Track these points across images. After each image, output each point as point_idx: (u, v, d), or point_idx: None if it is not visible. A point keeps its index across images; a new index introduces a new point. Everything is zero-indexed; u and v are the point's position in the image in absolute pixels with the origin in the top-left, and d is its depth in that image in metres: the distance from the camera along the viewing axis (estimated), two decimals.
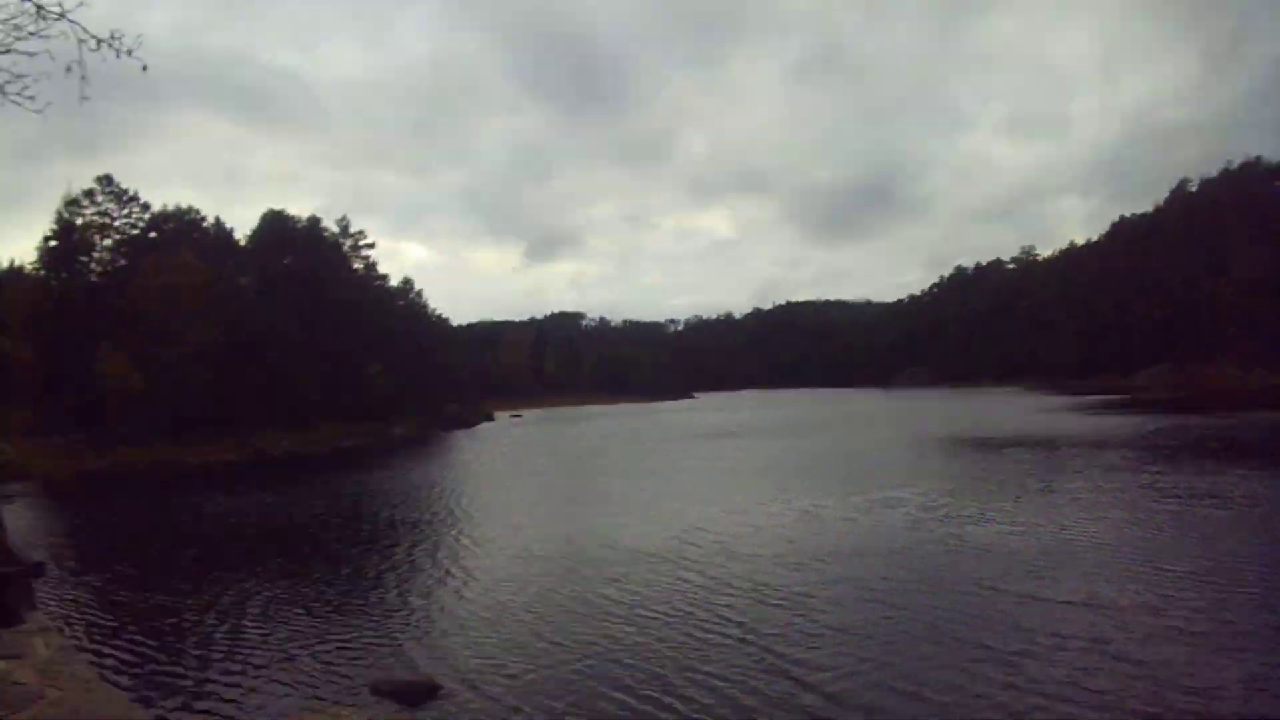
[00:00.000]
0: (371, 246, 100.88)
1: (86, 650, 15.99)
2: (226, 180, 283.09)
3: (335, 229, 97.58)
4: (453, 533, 29.46)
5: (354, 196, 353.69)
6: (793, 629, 15.89)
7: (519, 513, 33.25)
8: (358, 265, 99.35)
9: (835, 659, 14.20)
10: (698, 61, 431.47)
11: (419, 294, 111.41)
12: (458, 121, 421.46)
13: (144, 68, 7.23)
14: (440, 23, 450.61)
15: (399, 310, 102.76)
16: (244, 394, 71.73)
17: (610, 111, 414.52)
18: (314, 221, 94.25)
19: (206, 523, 34.62)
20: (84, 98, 6.88)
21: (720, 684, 13.28)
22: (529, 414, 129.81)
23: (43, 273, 76.23)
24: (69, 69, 6.88)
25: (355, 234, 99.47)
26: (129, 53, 7.13)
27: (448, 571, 23.04)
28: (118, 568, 25.69)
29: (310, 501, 39.32)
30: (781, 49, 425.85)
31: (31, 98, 7.13)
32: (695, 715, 12.20)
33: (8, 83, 7.04)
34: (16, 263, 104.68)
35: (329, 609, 19.55)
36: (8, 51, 6.96)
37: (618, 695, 13.05)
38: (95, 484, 51.58)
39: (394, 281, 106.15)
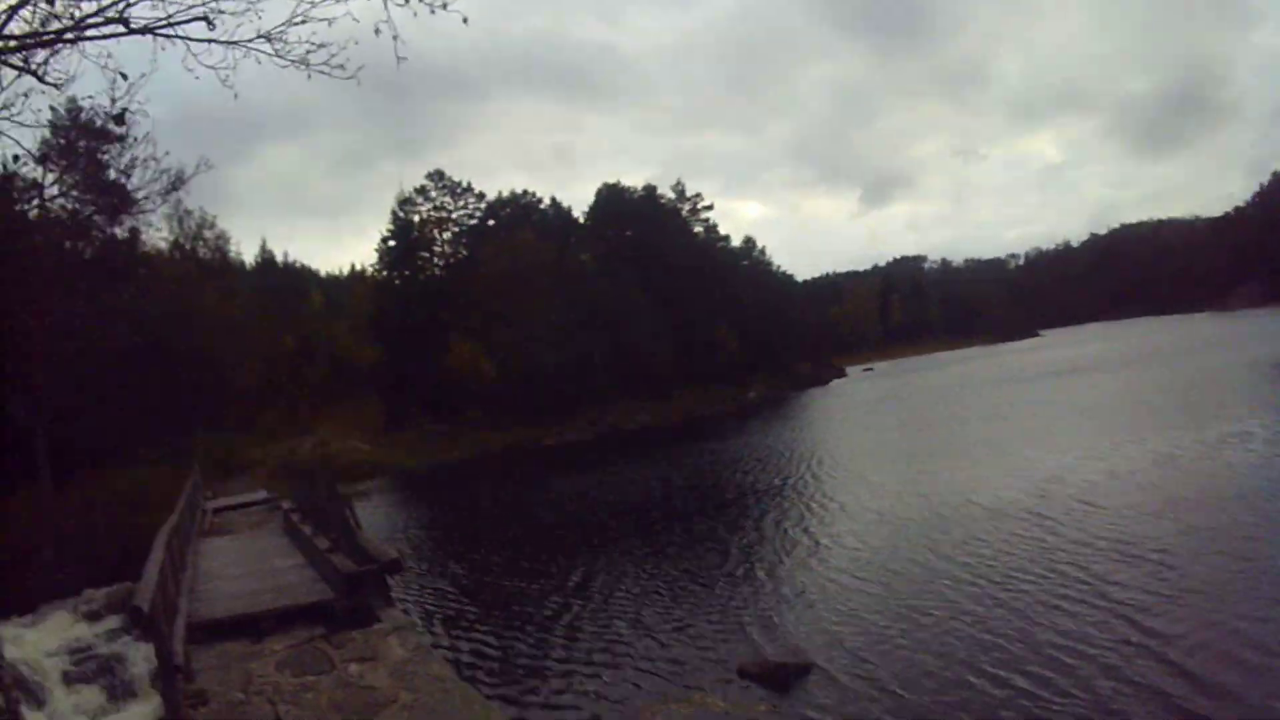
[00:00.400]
0: (709, 209, 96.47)
1: (442, 647, 16.04)
2: (558, 160, 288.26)
3: (672, 195, 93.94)
4: (811, 497, 28.14)
5: (685, 161, 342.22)
6: (1159, 595, 14.15)
7: (875, 471, 31.76)
8: (698, 229, 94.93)
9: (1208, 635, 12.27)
10: None
11: (762, 252, 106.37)
12: (776, 73, 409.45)
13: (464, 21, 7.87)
14: None
15: (743, 271, 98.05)
16: (596, 370, 69.09)
17: (924, 44, 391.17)
18: (649, 190, 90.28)
19: (561, 504, 34.03)
20: (400, 58, 6.88)
21: (1091, 664, 11.80)
22: (879, 365, 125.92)
23: (384, 273, 75.84)
24: (378, 30, 7.03)
25: (692, 198, 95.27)
26: (443, 6, 7.38)
27: (807, 540, 21.88)
28: (474, 556, 25.72)
29: (666, 474, 38.02)
30: None
31: (341, 66, 7.23)
32: (1072, 696, 10.88)
33: (310, 53, 6.98)
34: (356, 266, 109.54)
35: (688, 587, 18.67)
36: (304, 21, 6.91)
37: (991, 672, 11.93)
38: (449, 473, 51.41)
39: (735, 242, 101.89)
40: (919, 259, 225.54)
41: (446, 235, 78.84)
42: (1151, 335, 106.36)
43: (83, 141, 37.12)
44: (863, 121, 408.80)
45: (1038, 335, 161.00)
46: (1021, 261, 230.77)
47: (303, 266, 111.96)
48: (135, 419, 34.56)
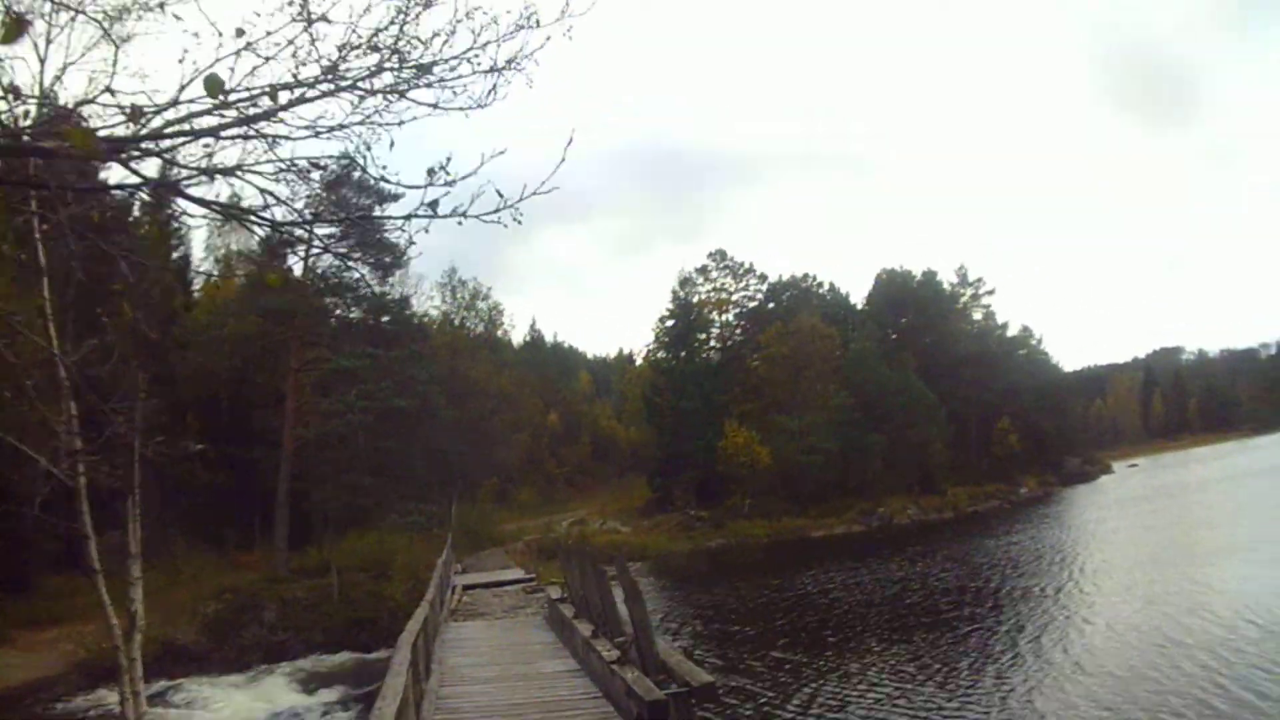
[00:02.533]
0: (991, 294, 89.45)
1: None
2: (833, 241, 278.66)
3: (954, 279, 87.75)
4: (1073, 603, 26.44)
5: (967, 242, 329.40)
6: None
7: (1142, 575, 29.59)
8: (978, 315, 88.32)
9: None
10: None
11: (1039, 341, 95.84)
12: None
13: None
14: None
15: (1019, 361, 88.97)
16: (869, 461, 63.79)
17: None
18: (929, 276, 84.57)
19: (835, 599, 31.90)
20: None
21: None
22: (1139, 461, 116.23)
23: (660, 353, 72.35)
24: None
25: (974, 282, 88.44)
26: None
27: (1067, 648, 20.62)
28: (743, 653, 23.44)
29: (934, 572, 36.27)
30: None
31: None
32: None
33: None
34: (624, 350, 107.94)
35: (954, 690, 17.90)
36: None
37: None
38: (711, 561, 48.77)
39: (1011, 330, 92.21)
40: (1177, 350, 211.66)
41: (726, 317, 74.93)
42: None
43: (354, 196, 35.37)
44: None
45: None
46: (1274, 350, 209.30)
47: (570, 347, 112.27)
48: (390, 483, 31.14)
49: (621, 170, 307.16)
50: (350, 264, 35.14)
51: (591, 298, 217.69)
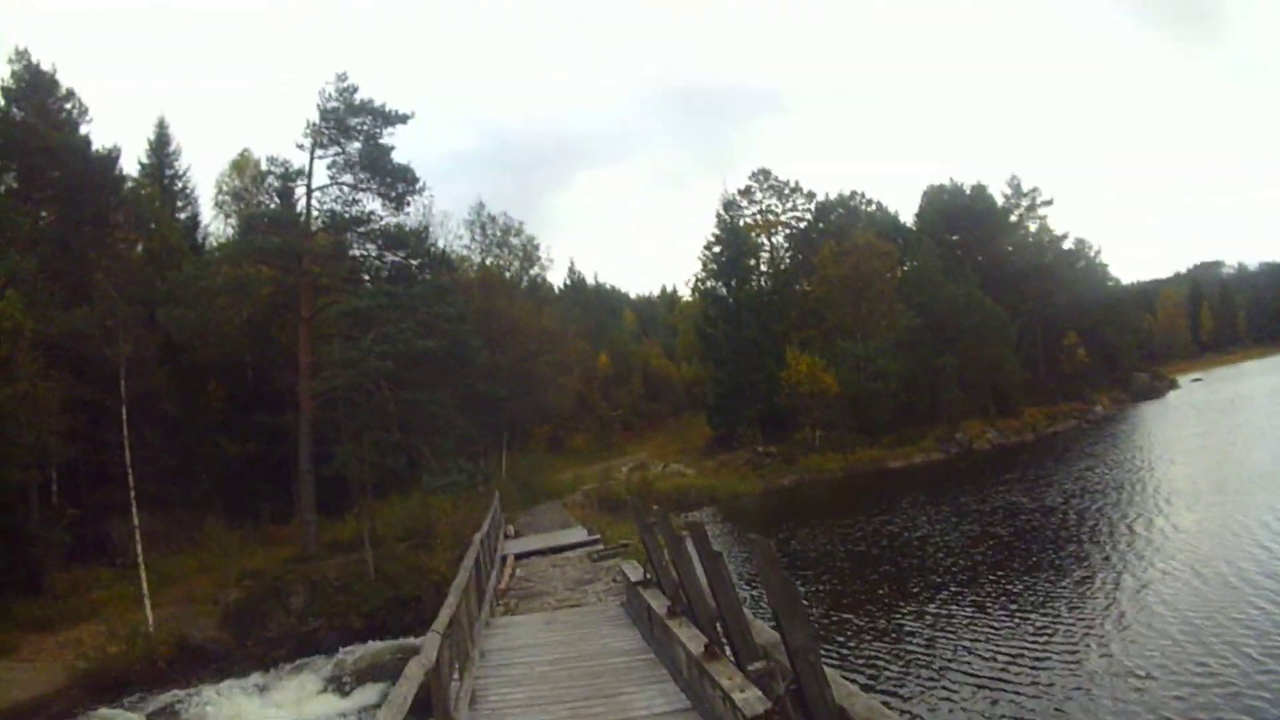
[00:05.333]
0: (1049, 204, 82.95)
1: None
2: (874, 165, 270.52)
3: (1008, 191, 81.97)
4: (1159, 532, 23.71)
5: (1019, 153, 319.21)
6: None
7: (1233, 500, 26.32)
8: (1033, 226, 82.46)
9: None
10: None
11: (1098, 253, 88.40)
12: None
13: None
14: None
15: (1080, 274, 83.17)
16: (943, 384, 59.23)
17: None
18: (980, 189, 79.25)
19: (921, 535, 29.12)
20: None
21: None
22: (1202, 375, 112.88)
23: (709, 282, 67.54)
24: None
25: (1030, 193, 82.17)
26: None
27: (1146, 583, 18.70)
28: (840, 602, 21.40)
29: (1022, 502, 32.99)
30: None
31: None
32: None
33: None
34: (667, 288, 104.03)
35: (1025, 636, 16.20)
36: None
37: None
38: (786, 499, 45.67)
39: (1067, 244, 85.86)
40: (1217, 264, 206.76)
41: (776, 239, 70.69)
42: None
43: (359, 121, 31.46)
44: None
45: None
46: None
47: (613, 288, 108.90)
48: (424, 438, 27.41)
49: (654, 110, 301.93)
50: (361, 191, 31.12)
51: (630, 239, 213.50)
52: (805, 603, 19.32)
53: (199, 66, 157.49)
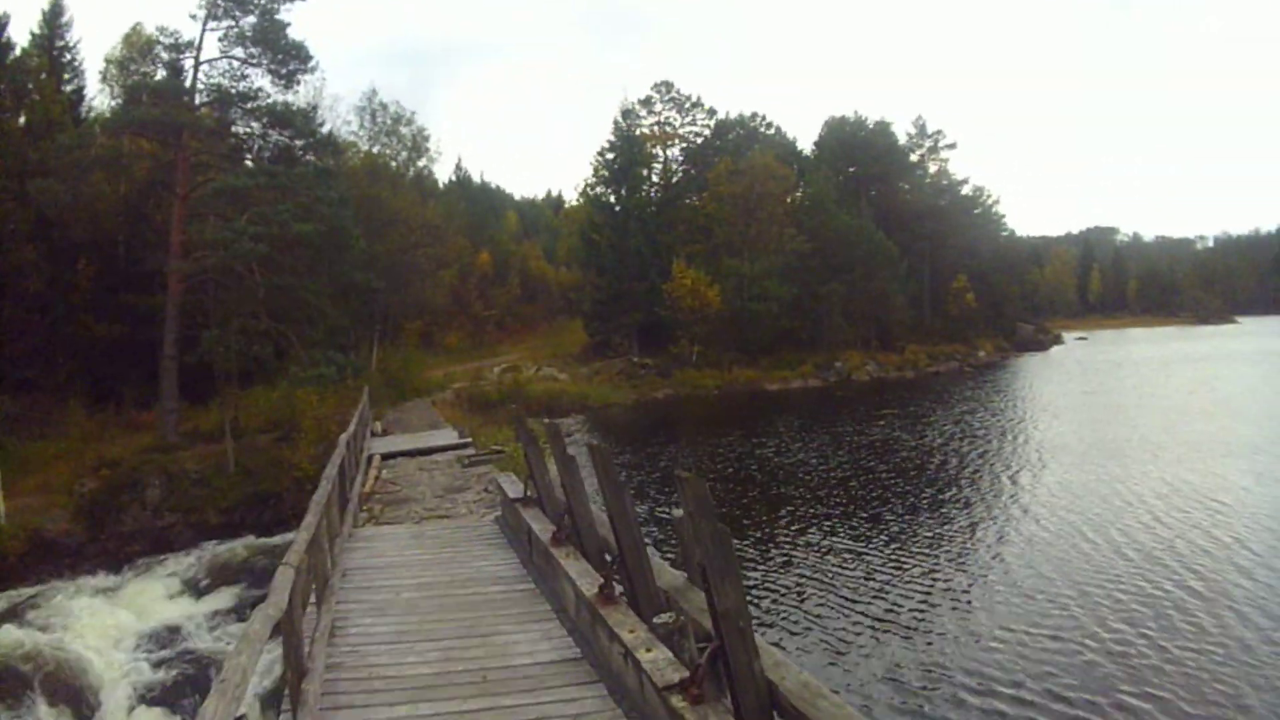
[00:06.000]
0: (952, 148, 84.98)
1: None
2: (778, 89, 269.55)
3: (912, 130, 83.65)
4: (1034, 485, 23.90)
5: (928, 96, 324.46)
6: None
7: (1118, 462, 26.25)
8: (933, 168, 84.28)
9: None
10: None
11: (996, 202, 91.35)
12: None
13: None
14: None
15: (975, 220, 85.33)
16: (826, 312, 60.47)
17: None
18: (883, 125, 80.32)
19: (795, 460, 29.32)
20: None
21: None
22: (1086, 334, 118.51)
23: (598, 189, 66.52)
24: None
25: (934, 134, 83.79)
26: None
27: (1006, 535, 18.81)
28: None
29: (900, 436, 33.49)
30: None
31: None
32: None
33: None
34: (553, 192, 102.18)
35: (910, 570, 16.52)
36: None
37: None
38: (660, 413, 45.66)
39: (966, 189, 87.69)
40: (1111, 230, 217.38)
41: (671, 152, 70.11)
42: None
43: None
44: None
45: (1235, 322, 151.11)
46: (1211, 244, 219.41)
47: (497, 187, 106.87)
48: (294, 327, 26.06)
49: (562, 9, 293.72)
50: (251, 66, 28.89)
51: (520, 141, 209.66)
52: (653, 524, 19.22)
53: None
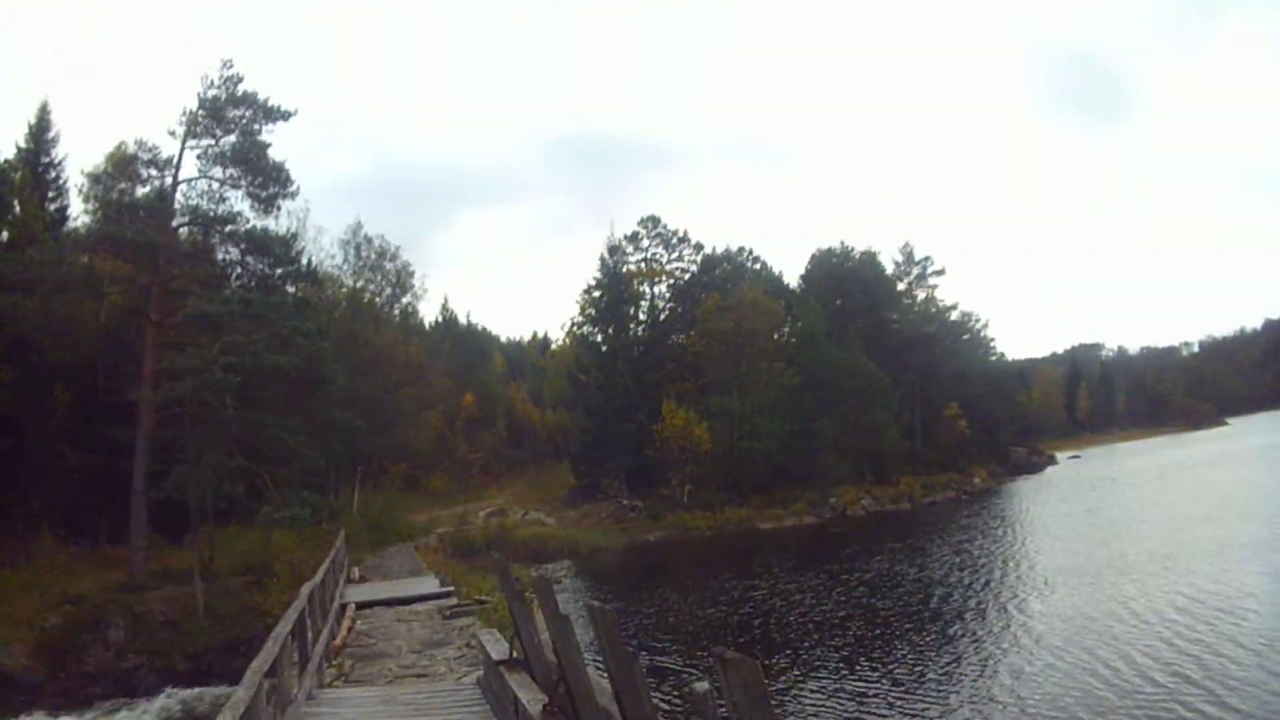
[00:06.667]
0: (940, 274, 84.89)
1: None
2: (764, 226, 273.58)
3: (899, 259, 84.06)
4: (1039, 610, 22.81)
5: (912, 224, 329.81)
6: None
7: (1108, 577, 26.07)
8: (921, 294, 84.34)
9: None
10: None
11: (985, 326, 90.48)
12: None
13: None
14: None
15: (964, 346, 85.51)
16: (819, 447, 58.57)
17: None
18: (870, 255, 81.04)
19: (791, 601, 27.83)
20: None
21: None
22: (1079, 452, 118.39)
23: (584, 328, 66.57)
24: None
25: (921, 261, 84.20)
26: None
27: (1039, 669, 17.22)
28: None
29: (901, 570, 32.41)
30: None
31: None
32: None
33: None
34: (539, 334, 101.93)
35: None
36: None
37: None
38: (651, 556, 44.24)
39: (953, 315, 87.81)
40: (1097, 346, 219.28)
41: (659, 289, 69.54)
42: None
43: (238, 113, 29.03)
44: None
45: (1226, 423, 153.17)
46: (1196, 349, 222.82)
47: (484, 329, 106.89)
48: (268, 465, 24.88)
49: (549, 156, 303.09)
50: (230, 188, 28.51)
51: (507, 282, 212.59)
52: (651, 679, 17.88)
53: (89, 55, 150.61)
